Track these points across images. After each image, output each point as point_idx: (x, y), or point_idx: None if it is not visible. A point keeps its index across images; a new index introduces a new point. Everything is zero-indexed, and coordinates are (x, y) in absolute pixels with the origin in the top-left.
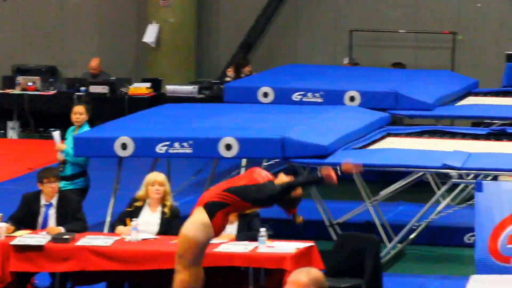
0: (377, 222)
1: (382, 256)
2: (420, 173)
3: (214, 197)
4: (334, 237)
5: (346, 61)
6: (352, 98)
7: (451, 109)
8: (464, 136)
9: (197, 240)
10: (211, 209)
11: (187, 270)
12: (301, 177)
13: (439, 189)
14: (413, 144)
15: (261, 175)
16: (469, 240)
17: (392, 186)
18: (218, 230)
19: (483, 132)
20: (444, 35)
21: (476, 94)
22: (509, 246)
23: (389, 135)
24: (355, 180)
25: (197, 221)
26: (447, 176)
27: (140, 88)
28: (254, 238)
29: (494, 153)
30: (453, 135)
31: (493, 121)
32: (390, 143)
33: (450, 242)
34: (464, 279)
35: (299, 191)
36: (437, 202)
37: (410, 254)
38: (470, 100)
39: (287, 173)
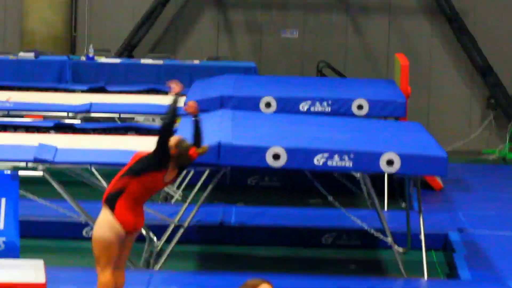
0: None
1: None
2: None
3: (110, 190)
4: None
5: None
6: None
7: None
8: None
9: (103, 240)
10: (110, 202)
11: (105, 272)
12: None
13: None
14: None
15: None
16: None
17: None
18: (127, 221)
19: (51, 125)
20: None
21: None
22: None
23: None
24: None
25: (99, 221)
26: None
27: None
28: None
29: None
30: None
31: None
32: None
33: None
34: None
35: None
36: None
37: None
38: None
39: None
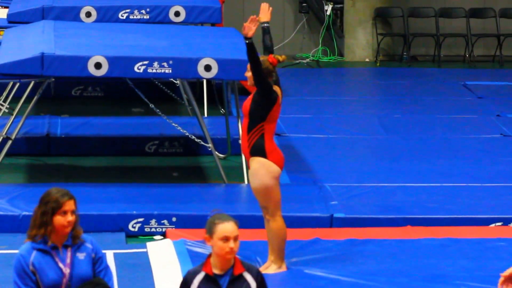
0: None
1: None
2: None
3: (251, 142)
4: None
5: None
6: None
7: None
8: None
9: (266, 186)
10: (259, 150)
11: (276, 217)
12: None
13: None
14: None
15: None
16: None
17: None
18: (279, 158)
19: None
20: None
21: None
22: None
23: None
24: None
25: (255, 170)
26: None
27: None
28: None
29: None
30: None
31: None
32: None
33: None
34: None
35: (273, 59)
36: None
37: None
38: None
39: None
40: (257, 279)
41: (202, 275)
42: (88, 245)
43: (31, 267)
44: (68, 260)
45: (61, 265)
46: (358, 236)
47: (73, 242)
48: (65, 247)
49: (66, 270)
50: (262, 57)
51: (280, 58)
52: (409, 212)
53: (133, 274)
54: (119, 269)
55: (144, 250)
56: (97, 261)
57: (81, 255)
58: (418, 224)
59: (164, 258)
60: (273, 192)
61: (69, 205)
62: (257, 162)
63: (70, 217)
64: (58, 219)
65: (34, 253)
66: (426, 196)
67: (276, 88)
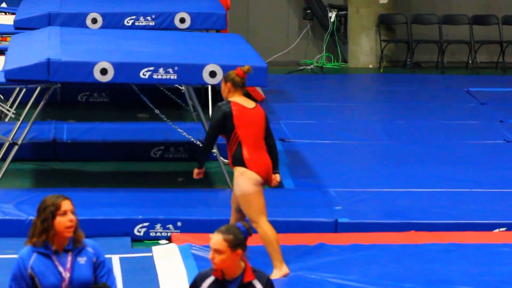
0: None
1: None
2: None
3: (230, 151)
4: None
5: None
6: None
7: None
8: None
9: (246, 193)
10: (237, 159)
11: (259, 222)
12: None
13: None
14: None
15: None
16: None
17: None
18: (259, 165)
19: None
20: None
21: None
22: None
23: None
24: None
25: (235, 178)
26: None
27: None
28: None
29: None
30: None
31: None
32: None
33: None
34: None
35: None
36: None
37: None
38: None
39: None
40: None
41: (211, 279)
42: (90, 250)
43: (29, 270)
44: (68, 265)
45: (61, 269)
46: (362, 241)
47: (74, 246)
48: (66, 251)
49: (66, 274)
50: (229, 72)
51: (245, 69)
52: (413, 217)
53: (138, 278)
54: (125, 274)
55: (150, 254)
56: (99, 265)
57: (81, 260)
58: (422, 229)
59: (170, 262)
60: (254, 199)
61: (67, 204)
62: (237, 171)
63: (71, 216)
64: (59, 221)
65: (34, 256)
66: (430, 202)
67: (243, 98)
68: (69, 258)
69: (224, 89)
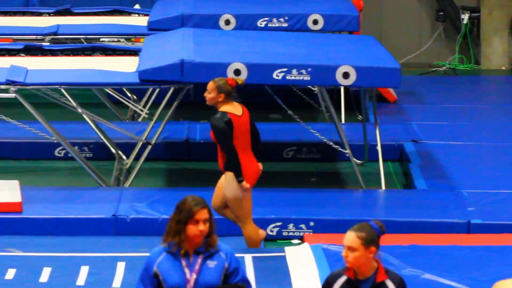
0: None
1: None
2: None
3: (223, 157)
4: None
5: None
6: None
7: None
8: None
9: (235, 197)
10: (233, 167)
11: (246, 224)
12: None
13: None
14: None
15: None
16: None
17: None
18: (251, 171)
19: (20, 47)
20: None
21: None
22: None
23: None
24: None
25: (228, 183)
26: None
27: None
28: None
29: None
30: None
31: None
32: None
33: None
34: None
35: (232, 81)
36: None
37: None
38: None
39: None
40: None
41: (344, 278)
42: (222, 255)
43: (155, 268)
44: (197, 267)
45: (187, 270)
46: (495, 243)
47: (206, 250)
48: (197, 253)
49: (192, 276)
50: (221, 79)
51: (239, 81)
52: None
53: (271, 278)
54: (258, 272)
55: (282, 254)
56: (232, 272)
57: (211, 263)
58: None
59: (302, 262)
60: (245, 203)
61: (202, 214)
62: (231, 177)
63: (202, 227)
64: (191, 228)
65: (163, 255)
66: None
67: (233, 106)
68: (199, 261)
69: (216, 98)
